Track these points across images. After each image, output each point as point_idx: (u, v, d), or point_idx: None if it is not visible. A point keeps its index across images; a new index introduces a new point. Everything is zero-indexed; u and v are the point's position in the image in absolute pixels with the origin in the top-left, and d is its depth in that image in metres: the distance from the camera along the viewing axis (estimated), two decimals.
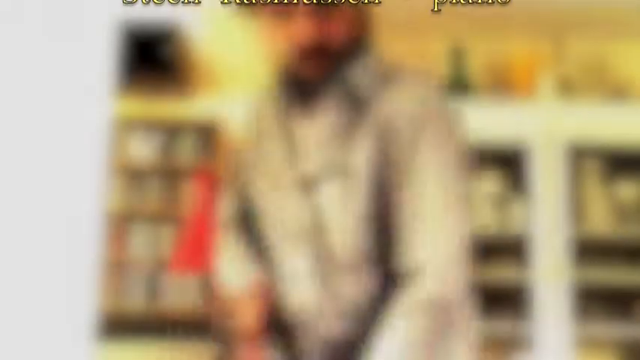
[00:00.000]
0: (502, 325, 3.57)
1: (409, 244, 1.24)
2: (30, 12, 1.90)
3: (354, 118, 1.32)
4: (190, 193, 4.06)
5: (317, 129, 1.35)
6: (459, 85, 3.80)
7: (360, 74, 1.34)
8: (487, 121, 3.61)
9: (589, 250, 3.67)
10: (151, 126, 4.22)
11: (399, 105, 1.30)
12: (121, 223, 4.09)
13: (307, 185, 1.34)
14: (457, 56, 3.86)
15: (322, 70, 1.33)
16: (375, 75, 1.35)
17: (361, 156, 1.30)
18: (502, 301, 3.66)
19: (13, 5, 1.88)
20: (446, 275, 1.21)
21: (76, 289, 1.94)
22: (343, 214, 1.29)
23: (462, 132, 1.36)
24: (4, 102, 1.84)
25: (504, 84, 3.92)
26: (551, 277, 3.42)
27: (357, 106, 1.33)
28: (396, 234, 1.26)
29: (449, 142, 1.30)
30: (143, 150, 4.19)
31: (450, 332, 1.20)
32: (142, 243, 4.10)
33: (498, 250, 3.68)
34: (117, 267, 4.05)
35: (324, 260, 1.31)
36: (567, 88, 3.84)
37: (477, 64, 3.94)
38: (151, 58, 4.10)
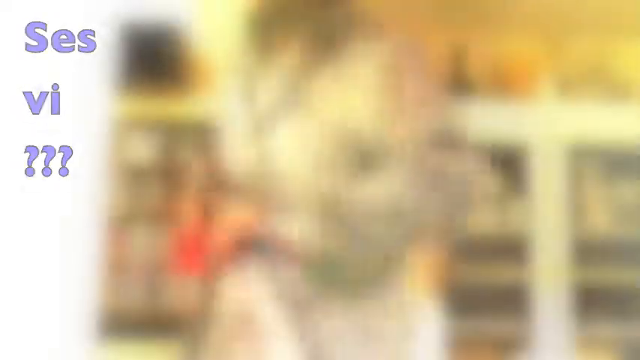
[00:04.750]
0: (502, 325, 3.56)
1: None
2: (29, 12, 1.90)
3: (321, 58, 1.35)
4: (190, 193, 4.06)
5: (279, 68, 1.37)
6: (459, 85, 3.79)
7: (338, 21, 1.37)
8: (487, 121, 3.60)
9: (589, 250, 3.66)
10: (151, 126, 4.21)
11: (370, 51, 1.32)
12: (120, 223, 4.09)
13: (260, 128, 1.35)
14: (457, 56, 3.86)
15: (304, 4, 1.36)
16: (346, 20, 1.38)
17: (327, 97, 1.32)
18: (502, 301, 3.65)
19: (12, 6, 1.88)
20: None
21: (76, 289, 1.94)
22: (302, 154, 1.30)
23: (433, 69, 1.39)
24: (5, 102, 1.84)
25: (504, 84, 3.91)
26: (551, 277, 3.42)
27: (327, 48, 1.35)
28: None
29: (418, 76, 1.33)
30: (143, 150, 4.19)
31: None
32: (142, 243, 4.10)
33: (498, 250, 3.68)
34: (117, 267, 4.05)
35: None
36: (567, 88, 3.83)
37: (477, 64, 3.93)
38: (151, 58, 4.09)
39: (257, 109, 1.39)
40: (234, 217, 1.22)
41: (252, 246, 1.18)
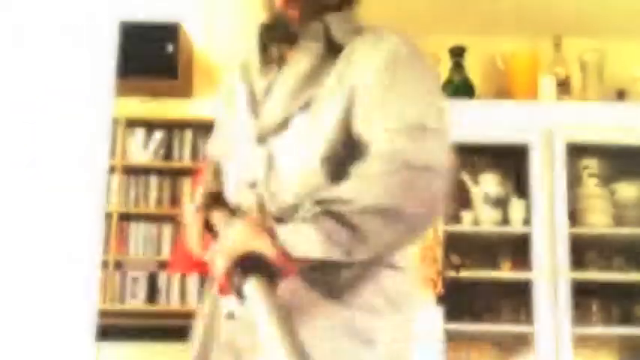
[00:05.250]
0: (502, 325, 3.57)
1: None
2: (29, 12, 1.90)
3: (325, 63, 1.39)
4: (190, 193, 4.06)
5: (289, 75, 1.40)
6: (458, 85, 3.80)
7: (340, 25, 1.42)
8: (487, 121, 3.61)
9: (588, 249, 3.67)
10: (151, 126, 4.22)
11: (369, 51, 1.36)
12: (121, 223, 4.09)
13: (266, 134, 1.38)
14: (457, 56, 3.87)
15: (305, 15, 1.41)
16: (352, 27, 1.43)
17: (328, 99, 1.34)
18: (502, 300, 3.66)
19: (12, 6, 1.88)
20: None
21: (76, 289, 1.94)
22: (307, 152, 1.32)
23: (433, 75, 1.43)
24: (5, 102, 1.84)
25: (504, 84, 3.92)
26: (550, 277, 3.42)
27: (331, 52, 1.39)
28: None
29: (419, 83, 1.35)
30: (143, 150, 4.20)
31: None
32: (141, 243, 4.10)
33: (498, 249, 3.69)
34: (117, 267, 4.05)
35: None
36: (567, 88, 3.84)
37: (476, 64, 3.94)
38: (151, 58, 4.10)
39: (264, 114, 1.41)
40: (232, 239, 1.21)
41: (249, 265, 1.16)
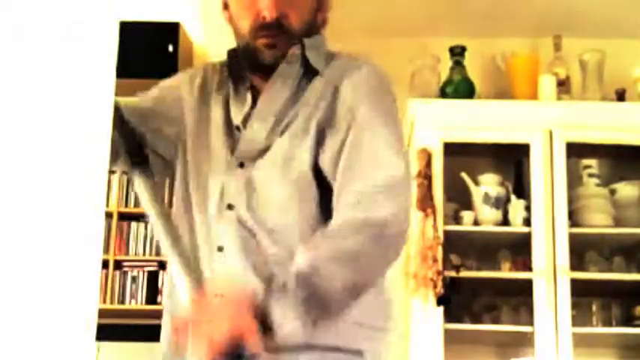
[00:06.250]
0: (502, 325, 3.57)
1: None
2: (29, 12, 1.90)
3: (303, 88, 1.43)
4: None
5: (268, 103, 1.44)
6: (458, 85, 3.80)
7: (315, 50, 1.46)
8: (487, 121, 3.60)
9: (588, 249, 3.67)
10: None
11: (344, 75, 1.42)
12: (120, 223, 4.09)
13: (246, 159, 1.41)
14: (457, 56, 3.86)
15: (279, 48, 1.43)
16: (325, 51, 1.49)
17: (303, 125, 1.39)
18: (502, 300, 3.66)
19: (12, 6, 1.88)
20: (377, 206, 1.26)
21: (76, 289, 1.94)
22: (284, 174, 1.36)
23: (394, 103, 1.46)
24: (5, 102, 1.84)
25: (504, 84, 3.92)
26: (550, 277, 3.42)
27: (307, 77, 1.44)
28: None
29: (385, 107, 1.41)
30: None
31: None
32: (141, 243, 4.10)
33: (498, 249, 3.68)
34: (117, 267, 4.05)
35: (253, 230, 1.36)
36: (567, 88, 3.83)
37: (476, 64, 3.94)
38: (151, 58, 4.10)
39: (243, 144, 1.44)
40: (217, 324, 1.18)
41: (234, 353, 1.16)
